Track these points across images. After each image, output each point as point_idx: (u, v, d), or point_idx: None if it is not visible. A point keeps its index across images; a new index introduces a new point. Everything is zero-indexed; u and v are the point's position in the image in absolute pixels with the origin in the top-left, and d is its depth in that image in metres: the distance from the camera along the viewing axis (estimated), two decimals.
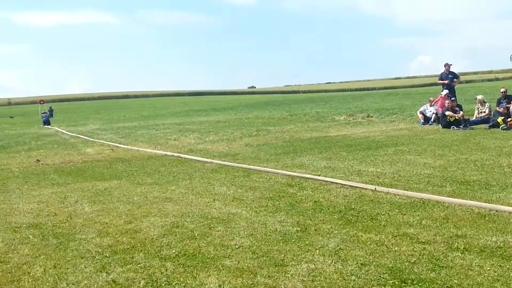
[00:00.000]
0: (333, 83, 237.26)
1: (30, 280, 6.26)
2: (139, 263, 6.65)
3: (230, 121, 33.90)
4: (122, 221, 8.80)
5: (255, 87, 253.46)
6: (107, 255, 7.05)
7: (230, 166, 14.48)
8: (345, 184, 10.89)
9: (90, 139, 25.82)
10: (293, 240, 7.30)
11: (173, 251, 7.09)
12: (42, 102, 68.80)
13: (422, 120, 24.35)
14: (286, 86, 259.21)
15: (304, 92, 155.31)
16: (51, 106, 66.31)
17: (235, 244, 7.23)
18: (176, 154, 17.63)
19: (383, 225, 7.81)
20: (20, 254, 7.22)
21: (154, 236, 7.79)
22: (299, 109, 41.42)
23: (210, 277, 6.12)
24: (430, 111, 24.51)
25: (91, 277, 6.27)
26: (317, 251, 6.81)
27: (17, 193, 12.05)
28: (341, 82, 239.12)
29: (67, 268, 6.59)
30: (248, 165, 14.38)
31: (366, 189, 10.34)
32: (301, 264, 6.38)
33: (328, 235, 7.44)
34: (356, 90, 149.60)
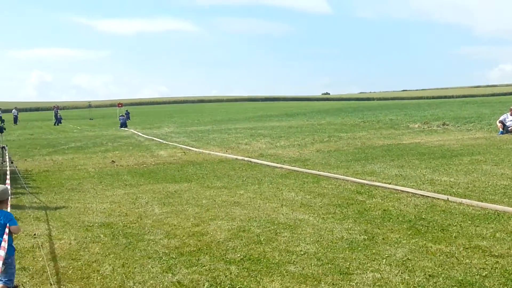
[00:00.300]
0: (409, 90, 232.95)
1: (98, 277, 6.43)
2: (204, 266, 6.71)
3: (302, 127, 33.80)
4: (189, 223, 8.92)
5: (329, 94, 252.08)
6: (174, 256, 7.15)
7: (299, 172, 14.43)
8: (416, 193, 10.63)
9: (164, 142, 26.36)
10: (359, 249, 7.18)
11: (238, 255, 7.11)
12: (120, 105, 70.77)
13: (501, 129, 23.48)
14: (360, 93, 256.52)
15: (379, 99, 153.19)
16: (127, 109, 68.02)
17: (301, 250, 7.18)
18: (246, 159, 17.73)
19: (454, 237, 7.56)
20: (91, 252, 7.43)
21: (220, 240, 7.85)
22: (373, 116, 40.84)
23: (273, 282, 6.10)
24: (510, 120, 23.61)
25: (157, 277, 6.37)
26: (384, 260, 6.67)
27: (92, 193, 12.44)
28: (417, 90, 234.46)
29: (135, 268, 6.73)
30: (318, 171, 14.28)
31: (438, 199, 10.06)
32: (366, 273, 6.27)
33: (396, 245, 7.28)
34: (433, 98, 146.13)
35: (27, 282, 6.34)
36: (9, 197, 6.09)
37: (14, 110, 66.68)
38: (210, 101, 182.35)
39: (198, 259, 6.99)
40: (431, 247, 7.13)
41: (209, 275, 6.39)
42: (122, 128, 43.49)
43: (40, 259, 7.13)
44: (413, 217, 8.77)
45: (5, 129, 12.29)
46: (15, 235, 7.94)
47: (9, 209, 6.26)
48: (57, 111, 61.93)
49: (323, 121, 38.79)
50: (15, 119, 63.27)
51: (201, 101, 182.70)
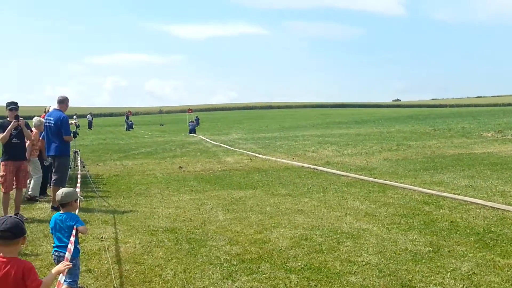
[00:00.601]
0: (483, 97, 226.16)
1: (160, 282, 6.56)
2: (264, 273, 6.73)
3: (371, 134, 33.40)
4: (252, 230, 8.97)
5: (399, 100, 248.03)
6: (235, 263, 7.21)
7: (365, 181, 14.28)
8: (486, 205, 10.31)
9: (231, 148, 26.62)
10: (423, 261, 7.02)
11: (299, 263, 7.09)
12: (190, 111, 71.86)
13: None
14: (432, 99, 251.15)
15: (452, 106, 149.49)
16: (197, 115, 69.19)
17: (362, 261, 7.09)
18: (312, 166, 17.68)
19: None
20: (154, 257, 7.59)
21: (282, 248, 7.85)
22: (444, 124, 39.89)
23: None
24: None
25: (217, 283, 6.44)
26: (449, 274, 6.49)
27: (158, 197, 12.70)
28: (493, 96, 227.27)
29: (196, 273, 6.82)
30: (385, 180, 14.09)
31: (509, 211, 9.72)
32: (429, 286, 6.12)
33: (462, 258, 7.08)
34: (509, 105, 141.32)
35: (92, 284, 6.53)
36: (78, 200, 6.28)
37: (88, 115, 69.05)
38: (278, 107, 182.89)
39: (259, 266, 7.02)
40: (499, 261, 6.90)
41: (268, 283, 6.40)
42: (191, 134, 44.22)
43: (105, 262, 7.34)
44: (482, 229, 8.50)
45: (78, 134, 12.73)
46: (83, 236, 8.21)
47: (77, 212, 6.47)
48: (128, 117, 63.52)
49: (392, 129, 38.19)
50: (90, 124, 65.42)
51: (270, 107, 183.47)
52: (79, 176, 12.69)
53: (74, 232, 5.87)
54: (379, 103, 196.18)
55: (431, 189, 12.30)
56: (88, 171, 16.47)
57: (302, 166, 17.99)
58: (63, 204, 6.10)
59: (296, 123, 59.29)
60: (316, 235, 8.51)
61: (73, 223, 5.93)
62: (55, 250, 5.93)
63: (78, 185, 10.28)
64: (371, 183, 13.80)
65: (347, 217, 9.79)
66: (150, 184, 15.09)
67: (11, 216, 4.06)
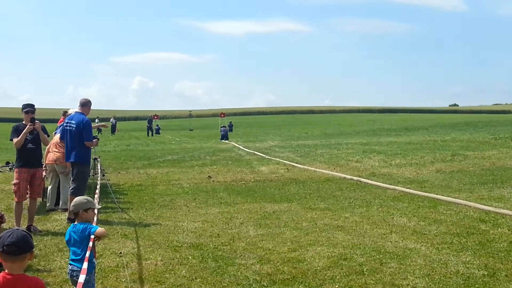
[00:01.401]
0: None
1: None
2: None
3: (423, 143, 33.05)
4: (286, 248, 8.96)
5: (457, 105, 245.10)
6: (265, 284, 7.21)
7: (414, 195, 14.15)
8: None
9: (266, 157, 26.66)
10: (477, 286, 6.92)
11: (337, 286, 7.06)
12: (222, 116, 72.32)
13: None
14: (494, 104, 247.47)
15: None
16: (230, 120, 69.55)
17: (408, 284, 7.03)
18: (355, 178, 17.59)
19: None
20: (177, 275, 7.64)
21: (318, 268, 7.83)
22: (507, 132, 39.25)
23: None
24: None
25: None
26: None
27: (184, 210, 12.79)
28: None
29: None
30: (436, 194, 13.94)
31: None
32: None
33: None
34: None
35: None
36: (93, 210, 6.35)
37: (112, 119, 70.07)
38: (321, 111, 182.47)
39: None
40: None
41: None
42: (223, 141, 44.39)
43: (123, 280, 7.42)
44: None
45: (98, 139, 12.92)
46: (100, 249, 8.30)
47: (94, 224, 6.54)
48: (152, 121, 64.01)
49: (447, 137, 37.74)
50: (113, 129, 66.26)
51: (311, 111, 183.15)
52: (98, 185, 12.87)
53: (90, 244, 5.95)
54: (434, 108, 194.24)
55: (488, 205, 12.13)
56: (109, 180, 16.69)
57: (344, 178, 17.91)
58: (76, 214, 6.21)
59: (339, 130, 59.08)
60: (357, 254, 8.46)
61: (86, 233, 6.01)
62: (69, 264, 6.03)
63: (97, 195, 10.41)
64: (421, 198, 13.67)
65: (392, 235, 9.72)
66: (175, 195, 15.21)
67: (18, 229, 4.07)
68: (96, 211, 7.33)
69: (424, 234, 9.73)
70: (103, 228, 6.21)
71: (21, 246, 3.93)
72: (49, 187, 13.48)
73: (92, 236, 5.97)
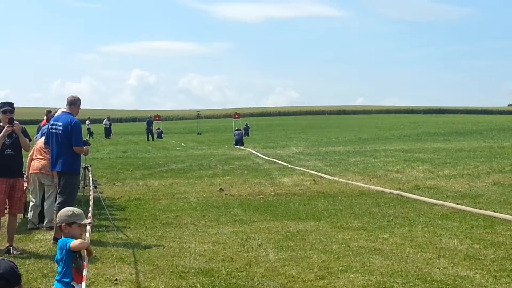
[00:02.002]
0: None
1: None
2: None
3: (476, 150, 32.90)
4: (312, 275, 8.96)
5: None
6: None
7: (467, 212, 14.09)
8: None
9: (289, 166, 26.65)
10: None
11: None
12: (237, 117, 72.53)
13: None
14: None
15: None
16: (247, 123, 69.51)
17: None
18: (396, 192, 17.54)
19: None
20: None
21: None
22: None
23: None
24: None
25: None
26: None
27: (191, 229, 12.82)
28: None
29: None
30: (494, 211, 13.87)
31: None
32: None
33: None
34: None
35: None
36: (81, 225, 6.38)
37: (105, 120, 70.29)
38: (354, 112, 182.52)
39: None
40: None
41: None
42: (238, 146, 44.48)
43: None
44: None
45: (89, 144, 13.00)
46: (92, 274, 8.33)
47: (88, 240, 6.55)
48: (152, 123, 64.11)
49: (506, 143, 37.55)
50: (107, 132, 66.62)
51: (343, 112, 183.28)
52: (90, 198, 12.91)
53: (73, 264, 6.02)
54: (489, 109, 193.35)
55: None
56: (102, 192, 16.75)
57: (382, 191, 17.87)
58: (61, 229, 6.29)
59: (376, 134, 58.97)
60: (398, 283, 8.44)
61: (64, 250, 6.06)
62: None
63: (90, 209, 10.48)
64: (475, 216, 13.60)
65: (440, 260, 9.68)
66: (181, 211, 15.24)
67: (3, 259, 3.96)
68: (87, 227, 7.36)
69: (479, 259, 9.68)
70: (80, 240, 6.21)
71: (10, 279, 3.83)
72: (32, 201, 13.54)
73: (85, 252, 6.03)
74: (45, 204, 13.29)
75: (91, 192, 13.62)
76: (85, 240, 6.59)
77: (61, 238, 6.37)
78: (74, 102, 11.98)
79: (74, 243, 6.05)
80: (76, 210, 6.45)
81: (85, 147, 12.13)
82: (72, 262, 6.09)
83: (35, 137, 14.93)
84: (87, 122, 70.09)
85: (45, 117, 15.11)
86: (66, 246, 6.05)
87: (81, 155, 12.24)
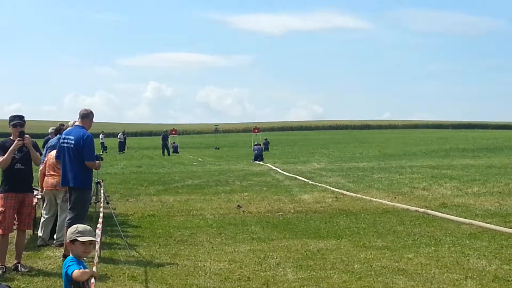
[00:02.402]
0: None
1: None
2: None
3: (507, 166, 32.73)
4: None
5: None
6: None
7: (496, 231, 14.03)
8: None
9: (310, 182, 26.61)
10: None
11: None
12: (256, 131, 72.38)
13: None
14: None
15: None
16: (266, 138, 69.47)
17: None
18: (421, 210, 17.47)
19: None
20: None
21: None
22: None
23: None
24: None
25: None
26: None
27: (207, 247, 12.83)
28: None
29: None
30: None
31: None
32: None
33: None
34: None
35: None
36: (84, 242, 6.40)
37: (120, 134, 70.48)
38: (379, 127, 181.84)
39: None
40: None
41: None
42: (257, 162, 44.45)
43: None
44: None
45: (102, 158, 13.04)
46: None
47: (96, 259, 6.60)
48: (168, 137, 64.22)
49: None
50: (121, 146, 66.78)
51: (367, 126, 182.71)
52: (101, 214, 12.95)
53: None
54: None
55: None
56: (114, 208, 16.83)
57: (408, 209, 17.81)
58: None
59: (402, 149, 58.76)
60: None
61: (64, 271, 6.09)
62: None
63: (99, 225, 10.50)
64: (505, 235, 13.54)
65: (467, 281, 9.63)
66: (196, 228, 15.27)
67: (1, 284, 3.98)
68: (96, 245, 7.38)
69: (509, 280, 9.64)
70: (82, 270, 6.17)
71: None
72: (43, 217, 13.59)
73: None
74: (58, 220, 13.36)
75: (101, 208, 13.69)
76: (93, 256, 6.61)
77: (70, 255, 6.41)
78: (86, 115, 12.04)
79: (75, 274, 6.07)
80: (81, 227, 6.47)
81: (97, 161, 12.16)
82: (71, 284, 6.12)
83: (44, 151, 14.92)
84: (101, 136, 70.35)
85: (51, 133, 15.33)
86: (68, 270, 6.08)
87: (93, 170, 12.29)
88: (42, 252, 12.62)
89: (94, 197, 15.22)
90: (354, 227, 15.10)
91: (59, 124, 15.27)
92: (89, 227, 6.55)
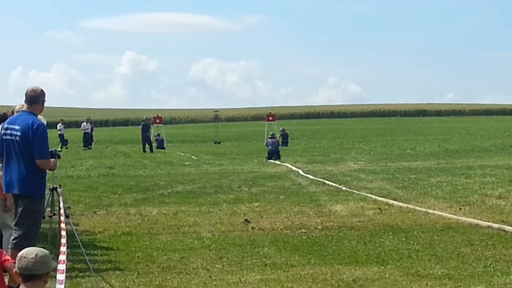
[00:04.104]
0: None
1: None
2: None
3: None
4: None
5: None
6: None
7: None
8: None
9: (344, 188, 26.57)
10: None
11: None
12: (271, 119, 72.04)
13: None
14: None
15: None
16: (283, 128, 68.98)
17: None
18: (496, 225, 17.43)
19: None
20: None
21: None
22: None
23: None
24: None
25: None
26: None
27: (202, 276, 12.83)
28: None
29: None
30: None
31: None
32: None
33: None
34: None
35: None
36: (48, 275, 6.41)
37: (84, 123, 70.24)
38: (439, 113, 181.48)
39: None
40: None
41: None
42: (272, 161, 44.39)
43: None
44: None
45: (59, 156, 13.00)
46: None
47: None
48: (149, 127, 63.48)
49: None
50: (87, 139, 66.61)
51: (423, 112, 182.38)
52: (62, 232, 12.93)
53: None
54: None
55: None
56: (77, 224, 16.83)
57: (477, 224, 17.78)
58: (32, 277, 6.28)
59: (469, 144, 58.71)
60: None
61: None
62: None
63: (63, 249, 10.49)
64: None
65: None
66: (188, 250, 15.28)
67: None
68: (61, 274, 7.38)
69: None
70: None
71: None
72: None
73: None
74: (3, 237, 13.26)
75: (62, 224, 13.71)
76: None
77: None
78: (36, 98, 11.91)
79: None
80: (41, 252, 6.45)
81: (52, 159, 12.12)
82: None
83: None
84: (59, 126, 70.15)
85: None
86: None
87: (47, 171, 12.27)
88: None
89: (48, 209, 15.21)
90: (404, 248, 15.08)
91: (3, 113, 15.25)
92: (42, 251, 6.52)
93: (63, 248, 10.58)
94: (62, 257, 9.82)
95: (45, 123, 12.56)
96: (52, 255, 9.74)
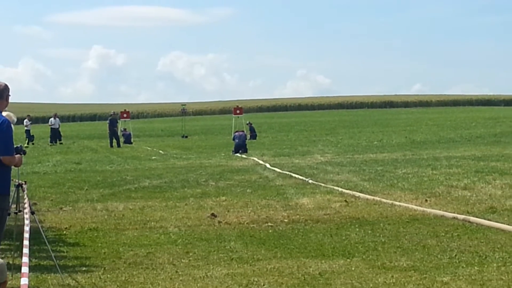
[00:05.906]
0: None
1: None
2: None
3: None
4: None
5: None
6: None
7: None
8: None
9: (311, 181, 26.63)
10: None
11: None
12: (239, 112, 72.08)
13: None
14: None
15: None
16: (250, 121, 69.13)
17: None
18: (461, 216, 17.52)
19: None
20: None
21: None
22: None
23: None
24: None
25: None
26: None
27: (169, 271, 12.82)
28: None
29: None
30: None
31: None
32: None
33: None
34: None
35: None
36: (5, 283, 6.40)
37: (52, 119, 70.03)
38: (406, 104, 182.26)
39: None
40: None
41: None
42: (238, 154, 44.45)
43: None
44: None
45: (24, 152, 12.92)
46: None
47: None
48: (116, 122, 63.42)
49: None
50: (54, 135, 66.39)
51: (390, 104, 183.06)
52: (26, 230, 12.88)
53: None
54: None
55: None
56: (43, 221, 16.77)
57: (443, 216, 17.86)
58: None
59: (436, 135, 58.96)
60: None
61: None
62: None
63: (25, 251, 10.44)
64: None
65: None
66: (155, 246, 15.27)
67: None
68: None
69: None
70: None
71: None
72: None
73: None
74: None
75: (26, 221, 13.65)
76: None
77: None
78: (0, 93, 11.92)
79: None
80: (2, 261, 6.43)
81: (17, 155, 12.06)
82: None
83: None
84: (26, 121, 69.77)
85: None
86: None
87: (12, 167, 12.22)
88: None
89: (13, 206, 15.15)
90: (370, 241, 15.12)
91: None
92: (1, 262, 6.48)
93: (26, 242, 10.56)
94: (26, 250, 9.80)
95: (15, 120, 12.58)
96: (18, 252, 9.74)
